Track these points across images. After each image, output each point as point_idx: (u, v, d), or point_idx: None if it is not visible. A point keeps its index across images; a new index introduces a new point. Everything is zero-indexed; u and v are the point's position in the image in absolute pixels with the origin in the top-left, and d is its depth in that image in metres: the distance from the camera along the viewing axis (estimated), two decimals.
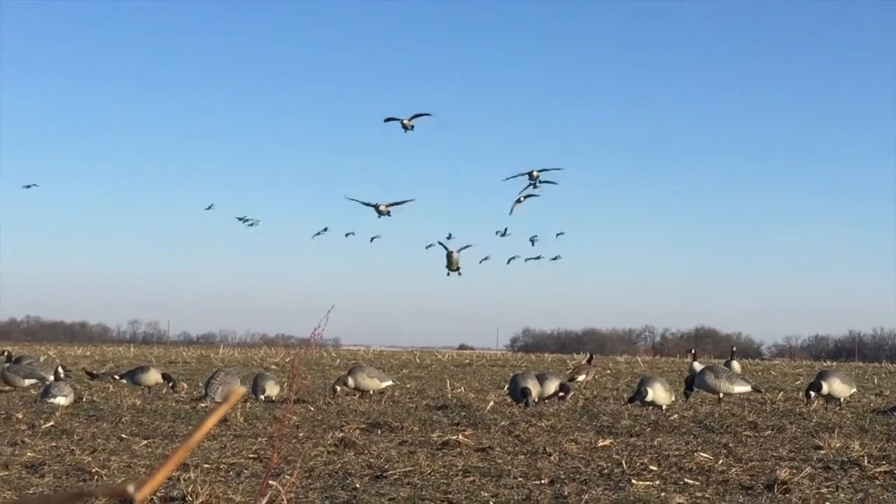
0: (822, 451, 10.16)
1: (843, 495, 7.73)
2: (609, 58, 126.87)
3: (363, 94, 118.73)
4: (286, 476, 7.72)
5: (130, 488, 1.37)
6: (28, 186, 19.12)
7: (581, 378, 21.99)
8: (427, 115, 15.30)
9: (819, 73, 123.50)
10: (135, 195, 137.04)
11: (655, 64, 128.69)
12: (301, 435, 11.26)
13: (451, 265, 15.22)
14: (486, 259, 26.82)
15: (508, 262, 27.90)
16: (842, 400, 16.22)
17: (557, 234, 29.57)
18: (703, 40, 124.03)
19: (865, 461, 9.30)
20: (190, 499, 7.13)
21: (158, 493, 7.35)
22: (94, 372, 22.65)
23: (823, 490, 7.94)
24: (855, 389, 16.99)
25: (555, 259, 29.47)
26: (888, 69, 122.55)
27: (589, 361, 24.36)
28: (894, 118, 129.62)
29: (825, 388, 15.98)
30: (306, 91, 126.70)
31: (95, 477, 8.36)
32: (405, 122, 15.14)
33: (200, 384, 19.06)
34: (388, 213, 17.16)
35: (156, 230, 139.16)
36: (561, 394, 16.21)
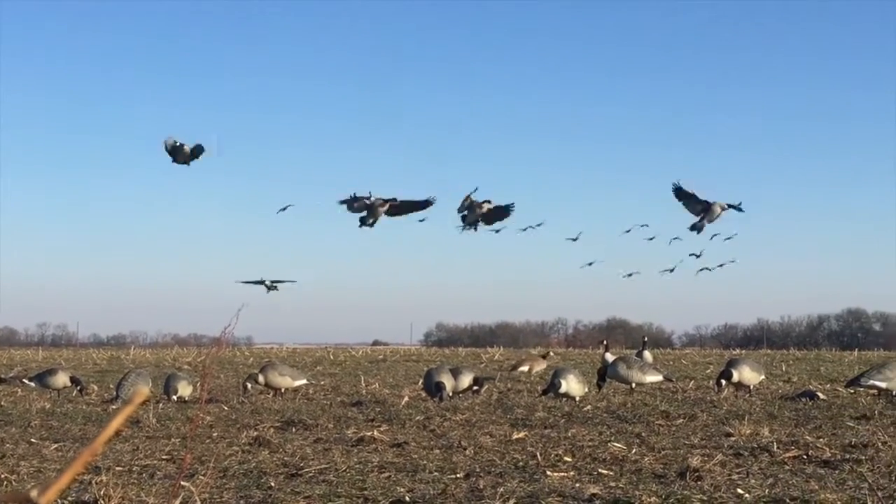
0: (733, 438, 10.30)
1: (753, 481, 7.83)
2: (583, 48, 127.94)
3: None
4: (200, 476, 7.65)
5: (34, 493, 1.34)
6: (284, 209, 18.51)
7: (523, 369, 22.15)
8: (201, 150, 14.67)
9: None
10: (38, 196, 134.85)
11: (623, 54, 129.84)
12: (215, 435, 11.16)
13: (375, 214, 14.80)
14: (701, 262, 25.84)
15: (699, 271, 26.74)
16: (751, 387, 16.46)
17: (727, 239, 27.90)
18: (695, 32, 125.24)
19: (775, 447, 9.45)
20: (102, 502, 7.03)
21: (69, 498, 7.24)
22: (2, 376, 22.25)
23: (734, 476, 8.05)
24: (763, 376, 17.26)
25: (721, 266, 28.12)
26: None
27: (544, 357, 24.36)
28: (798, 105, 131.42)
29: (735, 376, 16.21)
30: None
31: (4, 483, 8.21)
32: (187, 149, 14.51)
33: (111, 386, 18.82)
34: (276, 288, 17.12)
35: (61, 231, 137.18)
36: (475, 387, 16.26)
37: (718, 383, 16.47)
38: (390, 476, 8.28)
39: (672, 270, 26.36)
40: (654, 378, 16.67)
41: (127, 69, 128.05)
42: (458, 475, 8.27)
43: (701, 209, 14.14)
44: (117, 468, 8.70)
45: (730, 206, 14.34)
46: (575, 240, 25.04)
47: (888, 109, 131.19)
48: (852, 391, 15.97)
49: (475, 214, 14.59)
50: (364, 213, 14.55)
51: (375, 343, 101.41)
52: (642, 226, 25.48)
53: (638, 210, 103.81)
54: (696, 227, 14.28)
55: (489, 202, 14.59)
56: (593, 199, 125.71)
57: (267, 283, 16.65)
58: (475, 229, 14.74)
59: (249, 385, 16.82)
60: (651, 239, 24.15)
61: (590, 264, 26.54)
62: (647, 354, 22.82)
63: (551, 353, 25.99)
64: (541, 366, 22.55)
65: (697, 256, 24.91)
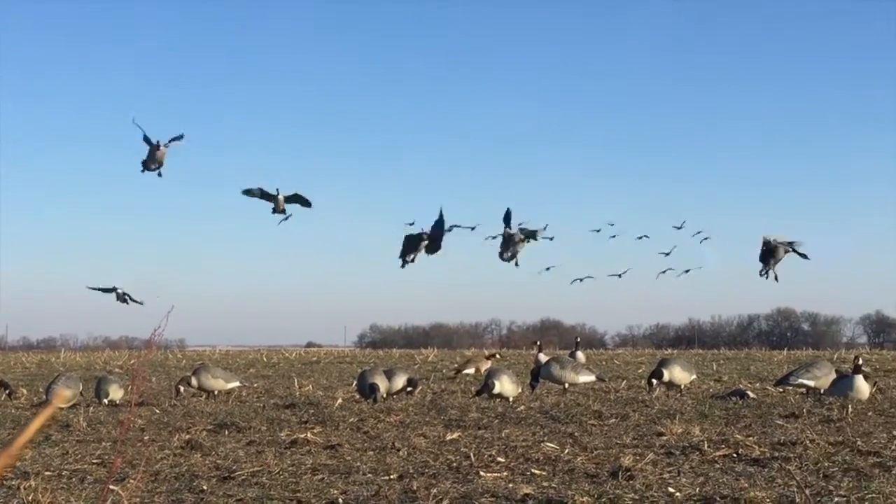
0: (665, 438, 10.39)
1: (684, 480, 7.91)
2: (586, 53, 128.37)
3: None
4: (131, 480, 7.58)
5: None
6: (286, 218, 18.41)
7: (469, 371, 22.13)
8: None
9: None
10: None
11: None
12: (146, 438, 11.06)
13: (277, 207, 14.94)
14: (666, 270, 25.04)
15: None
16: (682, 386, 16.61)
17: (704, 238, 26.42)
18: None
19: (705, 445, 9.55)
20: None
21: None
22: None
23: (666, 475, 8.12)
24: (695, 376, 17.42)
25: (688, 272, 27.14)
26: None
27: (490, 357, 24.23)
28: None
29: (666, 376, 16.34)
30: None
31: None
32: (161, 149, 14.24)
33: (41, 390, 18.58)
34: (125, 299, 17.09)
35: None
36: (409, 388, 16.26)
37: (649, 383, 16.59)
38: (324, 478, 8.27)
39: (620, 275, 26.18)
40: (586, 378, 16.76)
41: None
42: (391, 476, 8.28)
43: (766, 253, 14.19)
44: (46, 473, 8.61)
45: (794, 250, 14.41)
46: (551, 239, 24.86)
47: (812, 109, 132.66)
48: (781, 390, 16.17)
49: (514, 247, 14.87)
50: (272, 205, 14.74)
51: (309, 345, 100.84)
52: (610, 224, 25.27)
53: (593, 211, 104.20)
54: (764, 274, 14.37)
55: (533, 236, 14.86)
56: (547, 199, 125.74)
57: (119, 291, 16.46)
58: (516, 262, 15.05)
59: (182, 388, 16.67)
60: (613, 237, 24.08)
61: (548, 269, 26.31)
62: (580, 355, 22.94)
63: (497, 355, 25.88)
64: (487, 366, 22.48)
65: (667, 254, 24.79)
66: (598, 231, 24.36)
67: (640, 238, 26.49)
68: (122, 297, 16.03)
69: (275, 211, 14.71)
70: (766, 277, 14.03)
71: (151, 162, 13.33)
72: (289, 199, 14.78)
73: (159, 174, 13.50)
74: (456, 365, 26.81)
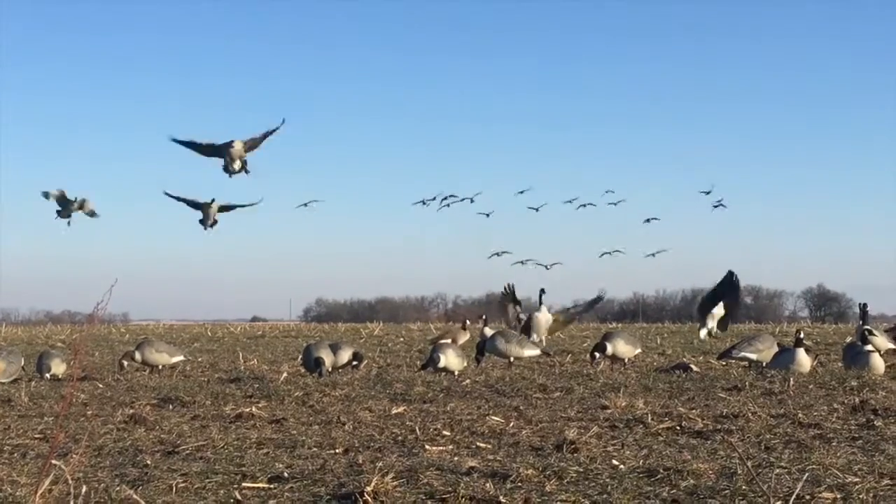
0: (609, 411, 10.45)
1: (628, 452, 7.97)
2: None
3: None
4: (73, 455, 7.52)
5: None
6: (305, 205, 18.25)
7: (446, 342, 22.01)
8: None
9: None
10: None
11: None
12: (89, 413, 10.98)
13: (207, 219, 14.96)
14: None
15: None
16: (626, 360, 16.74)
17: (717, 203, 26.25)
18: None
19: (649, 418, 9.63)
20: None
21: None
22: None
23: (610, 448, 8.17)
24: (639, 349, 17.55)
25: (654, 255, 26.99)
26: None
27: (463, 327, 24.02)
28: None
29: (610, 349, 16.47)
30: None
31: None
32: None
33: None
34: None
35: None
36: (354, 363, 16.26)
37: (592, 356, 16.72)
38: (269, 452, 8.25)
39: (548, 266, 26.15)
40: (531, 352, 16.84)
41: None
42: (337, 450, 8.27)
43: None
44: None
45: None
46: (537, 210, 24.89)
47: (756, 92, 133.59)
48: (724, 363, 16.32)
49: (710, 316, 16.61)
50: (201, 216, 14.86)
51: (254, 319, 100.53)
52: (607, 191, 25.21)
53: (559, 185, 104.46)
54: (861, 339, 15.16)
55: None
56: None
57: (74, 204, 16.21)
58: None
59: (125, 362, 16.58)
60: (584, 206, 24.10)
61: (498, 255, 25.96)
62: None
63: (468, 322, 25.70)
64: (464, 337, 22.28)
65: (648, 221, 24.84)
66: (573, 203, 24.44)
67: (616, 203, 26.55)
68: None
69: (203, 222, 14.62)
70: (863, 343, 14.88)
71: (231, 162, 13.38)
72: (223, 209, 14.69)
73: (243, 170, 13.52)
74: (430, 337, 26.83)
